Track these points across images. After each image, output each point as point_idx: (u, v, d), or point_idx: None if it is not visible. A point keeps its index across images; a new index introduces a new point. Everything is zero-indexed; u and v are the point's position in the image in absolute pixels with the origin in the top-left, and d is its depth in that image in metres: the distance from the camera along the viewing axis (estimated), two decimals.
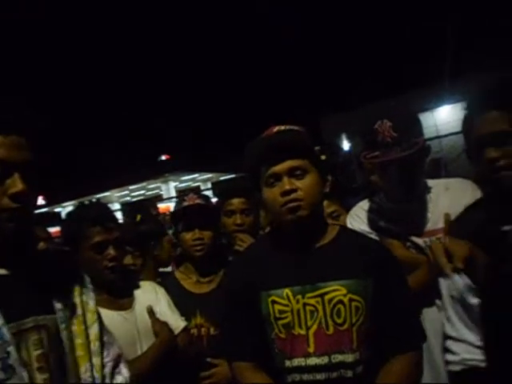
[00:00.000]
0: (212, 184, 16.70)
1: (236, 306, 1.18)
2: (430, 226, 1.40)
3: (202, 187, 16.93)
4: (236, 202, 1.82)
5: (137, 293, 1.49)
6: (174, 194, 14.56)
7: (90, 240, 1.37)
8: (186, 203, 1.68)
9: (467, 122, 1.09)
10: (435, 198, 1.44)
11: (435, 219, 1.39)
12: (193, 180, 18.33)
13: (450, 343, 1.12)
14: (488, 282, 1.02)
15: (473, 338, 1.07)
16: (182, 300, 1.57)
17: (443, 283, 1.13)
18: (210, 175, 17.87)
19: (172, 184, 16.69)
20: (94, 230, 1.37)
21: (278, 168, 1.10)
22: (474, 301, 1.05)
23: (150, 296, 1.50)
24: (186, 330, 1.49)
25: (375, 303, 1.09)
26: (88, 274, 1.41)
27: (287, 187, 1.09)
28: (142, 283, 1.55)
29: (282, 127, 1.16)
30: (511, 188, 1.00)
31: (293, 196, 1.08)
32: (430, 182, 1.49)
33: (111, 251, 1.38)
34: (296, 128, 1.16)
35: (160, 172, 15.68)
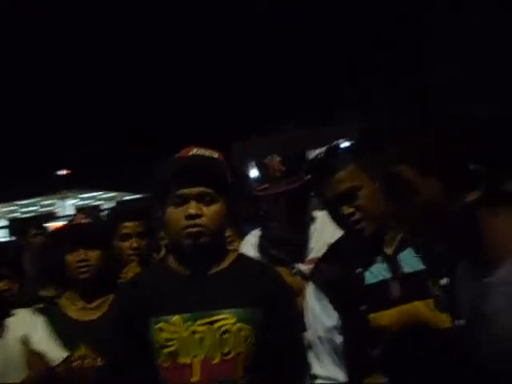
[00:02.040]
0: (116, 203, 15.89)
1: (122, 333, 1.14)
2: (314, 255, 1.51)
3: (105, 206, 16.01)
4: (131, 224, 1.78)
5: (10, 321, 1.37)
6: (71, 211, 13.53)
7: None
8: (71, 223, 1.61)
9: (316, 185, 1.24)
10: (320, 228, 1.57)
11: (319, 248, 1.50)
12: (94, 198, 17.25)
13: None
14: (349, 321, 1.14)
15: (341, 375, 1.16)
16: (65, 329, 1.46)
17: (310, 324, 1.21)
18: (114, 194, 16.99)
19: (70, 201, 15.51)
20: None
21: (188, 190, 1.10)
22: (340, 339, 1.15)
23: (24, 324, 1.38)
24: (66, 361, 1.39)
25: (265, 333, 1.11)
26: None
27: (192, 211, 1.08)
28: (17, 311, 1.43)
29: (201, 150, 1.16)
30: (367, 237, 1.15)
31: (197, 221, 1.09)
32: (318, 214, 1.61)
33: None
34: (214, 155, 1.18)
35: (56, 187, 14.50)
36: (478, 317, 0.78)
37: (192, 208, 1.08)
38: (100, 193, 16.65)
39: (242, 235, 1.79)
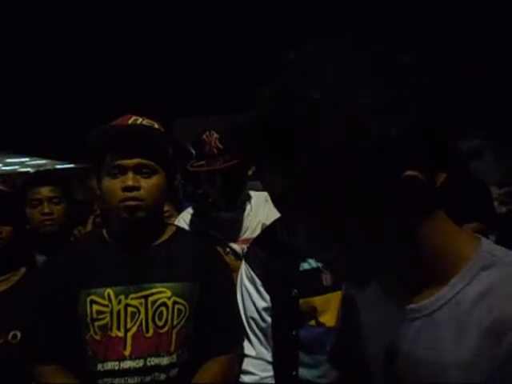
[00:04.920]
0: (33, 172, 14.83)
1: (45, 304, 1.07)
2: (248, 234, 1.51)
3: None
4: (42, 190, 1.68)
5: None
6: None
7: None
8: None
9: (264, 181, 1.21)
10: (255, 208, 1.56)
11: (253, 228, 1.52)
12: (21, 164, 16.01)
13: (247, 363, 1.18)
14: (279, 303, 1.15)
15: (267, 354, 1.18)
16: None
17: (241, 304, 1.21)
18: (43, 161, 15.89)
19: None
20: None
21: (125, 161, 1.04)
22: (269, 320, 1.17)
23: None
24: None
25: (200, 307, 1.10)
26: None
27: (130, 183, 1.04)
28: None
29: (140, 119, 1.10)
30: None
31: (134, 194, 1.04)
32: (253, 193, 1.61)
33: None
34: (154, 125, 1.12)
35: None
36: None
37: (129, 180, 1.04)
38: (27, 159, 15.51)
39: (181, 211, 1.76)
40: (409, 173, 0.47)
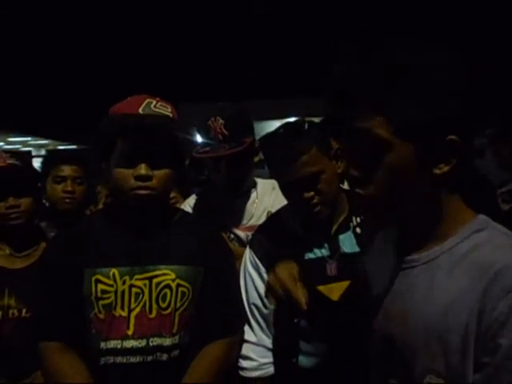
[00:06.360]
0: (47, 152, 14.79)
1: (51, 281, 1.11)
2: (253, 221, 1.51)
3: (34, 153, 14.91)
4: (67, 168, 1.73)
5: None
6: None
7: None
8: None
9: (272, 165, 1.21)
10: (261, 196, 1.56)
11: (258, 215, 1.52)
12: (23, 143, 15.96)
13: (247, 349, 1.20)
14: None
15: (268, 341, 1.21)
16: None
17: (244, 291, 1.23)
18: (45, 141, 15.82)
19: None
20: None
21: (139, 151, 1.05)
22: (272, 306, 1.18)
23: None
24: None
25: (203, 290, 1.13)
26: None
27: (143, 172, 1.05)
28: None
29: (154, 101, 1.10)
30: (320, 220, 1.17)
31: (147, 183, 1.05)
32: (259, 181, 1.61)
33: None
34: (168, 109, 1.12)
35: None
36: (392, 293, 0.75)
37: (142, 169, 1.05)
38: (29, 138, 15.46)
39: (187, 197, 1.78)
40: (452, 136, 0.64)
